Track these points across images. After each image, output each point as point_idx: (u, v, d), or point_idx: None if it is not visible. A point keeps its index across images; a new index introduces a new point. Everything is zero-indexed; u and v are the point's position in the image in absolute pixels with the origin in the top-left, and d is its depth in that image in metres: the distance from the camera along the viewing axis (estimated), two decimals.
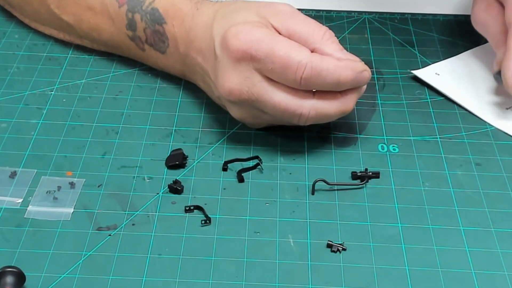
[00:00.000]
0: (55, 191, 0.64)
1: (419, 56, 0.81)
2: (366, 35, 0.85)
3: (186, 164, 0.67)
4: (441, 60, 0.80)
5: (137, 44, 0.75)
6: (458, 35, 0.85)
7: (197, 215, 0.62)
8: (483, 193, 0.65)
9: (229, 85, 0.65)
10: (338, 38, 0.66)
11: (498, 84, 0.75)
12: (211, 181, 0.65)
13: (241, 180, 0.65)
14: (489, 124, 0.72)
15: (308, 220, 0.62)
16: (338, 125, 0.71)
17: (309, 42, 0.65)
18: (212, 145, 0.69)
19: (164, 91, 0.75)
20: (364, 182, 0.65)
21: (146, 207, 0.63)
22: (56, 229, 0.60)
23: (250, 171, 0.66)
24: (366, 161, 0.68)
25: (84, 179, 0.65)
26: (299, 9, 0.68)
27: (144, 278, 0.57)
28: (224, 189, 0.65)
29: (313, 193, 0.64)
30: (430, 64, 0.80)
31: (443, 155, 0.69)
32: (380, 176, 0.66)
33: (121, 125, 0.71)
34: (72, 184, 0.64)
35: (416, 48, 0.83)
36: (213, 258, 0.58)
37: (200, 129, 0.71)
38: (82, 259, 0.58)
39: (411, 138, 0.71)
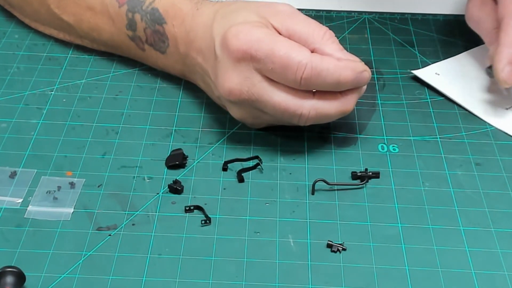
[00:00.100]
0: (55, 191, 0.64)
1: (419, 56, 0.81)
2: (366, 35, 0.85)
3: (186, 164, 0.67)
4: (441, 60, 0.80)
5: (137, 44, 0.75)
6: (458, 35, 0.84)
7: (197, 215, 0.62)
8: (483, 193, 0.65)
9: (229, 85, 0.65)
10: (338, 38, 0.66)
11: (490, 79, 0.75)
12: (211, 181, 0.65)
13: (241, 180, 0.65)
14: (489, 124, 0.72)
15: (308, 220, 0.62)
16: (338, 125, 0.71)
17: (309, 42, 0.65)
18: (212, 145, 0.69)
19: (164, 91, 0.75)
20: (364, 182, 0.65)
21: (146, 207, 0.63)
22: (56, 229, 0.60)
23: (250, 171, 0.66)
24: (366, 161, 0.68)
25: (84, 179, 0.65)
26: (299, 9, 0.68)
27: (144, 278, 0.57)
28: (224, 189, 0.65)
29: (313, 193, 0.64)
30: (430, 64, 0.79)
31: (443, 155, 0.69)
32: (380, 176, 0.66)
33: (121, 125, 0.71)
34: (72, 184, 0.64)
35: (416, 48, 0.83)
36: (213, 258, 0.58)
37: (200, 129, 0.71)
38: (82, 259, 0.58)
39: (411, 138, 0.71)
